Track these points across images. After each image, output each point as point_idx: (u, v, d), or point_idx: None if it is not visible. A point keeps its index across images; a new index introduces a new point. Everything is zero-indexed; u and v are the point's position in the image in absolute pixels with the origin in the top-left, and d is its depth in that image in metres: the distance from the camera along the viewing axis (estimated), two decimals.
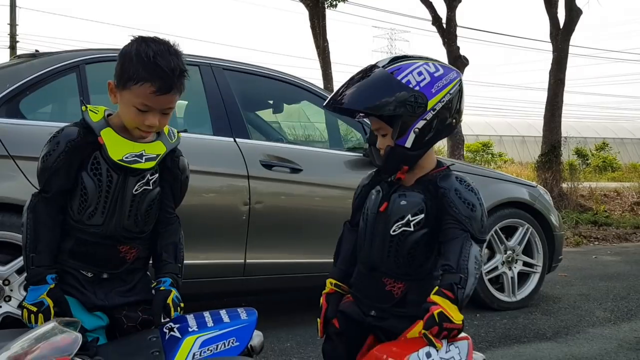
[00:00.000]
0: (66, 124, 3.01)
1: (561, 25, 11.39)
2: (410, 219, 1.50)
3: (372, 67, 1.55)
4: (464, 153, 11.99)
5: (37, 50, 3.46)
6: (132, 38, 1.63)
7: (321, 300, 1.70)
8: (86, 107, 1.66)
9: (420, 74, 1.49)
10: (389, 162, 1.54)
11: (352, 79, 1.56)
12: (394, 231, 1.52)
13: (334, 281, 1.69)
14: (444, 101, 1.51)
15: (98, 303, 1.61)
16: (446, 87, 1.51)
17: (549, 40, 11.63)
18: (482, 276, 3.91)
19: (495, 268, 4.00)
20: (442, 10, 11.70)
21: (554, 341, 3.39)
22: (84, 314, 1.58)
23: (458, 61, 11.36)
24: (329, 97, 1.59)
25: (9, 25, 19.09)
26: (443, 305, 1.37)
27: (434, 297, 1.39)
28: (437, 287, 1.41)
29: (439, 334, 1.36)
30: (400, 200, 1.53)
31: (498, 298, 3.98)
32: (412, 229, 1.50)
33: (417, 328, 1.41)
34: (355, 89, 1.52)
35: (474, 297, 3.92)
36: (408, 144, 1.50)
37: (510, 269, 4.05)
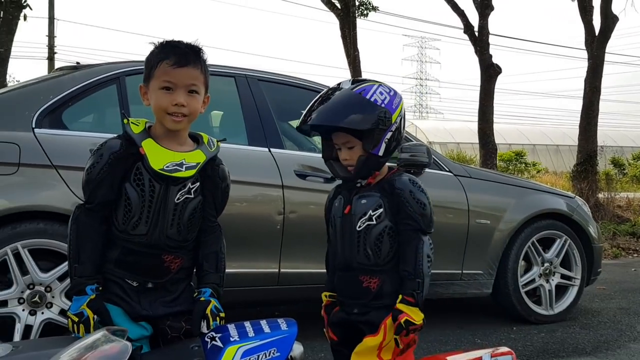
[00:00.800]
0: (107, 134, 3.07)
1: (597, 32, 11.18)
2: (372, 213, 1.76)
3: (336, 89, 1.82)
4: (497, 162, 11.84)
5: (78, 63, 3.55)
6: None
7: (322, 313, 1.91)
8: (128, 120, 1.70)
9: (381, 93, 1.77)
10: (364, 169, 1.78)
11: (320, 100, 1.79)
12: (359, 227, 1.76)
13: (328, 293, 1.91)
14: (401, 115, 1.80)
15: (142, 313, 1.63)
16: (400, 104, 1.80)
17: (584, 48, 11.43)
18: (519, 289, 3.85)
19: (533, 280, 3.93)
20: (474, 18, 11.63)
21: (594, 356, 3.31)
22: (129, 324, 1.60)
23: (490, 69, 11.25)
24: (300, 119, 1.81)
25: (47, 37, 19.64)
26: (407, 312, 1.68)
27: (399, 306, 1.69)
28: (400, 296, 1.70)
29: (407, 334, 1.68)
30: (360, 200, 1.79)
31: (535, 311, 3.91)
32: (374, 222, 1.75)
33: (389, 323, 1.70)
34: (329, 108, 1.76)
35: (511, 310, 3.92)
36: (381, 152, 1.76)
37: (547, 281, 3.98)
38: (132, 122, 1.71)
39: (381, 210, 1.75)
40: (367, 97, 1.74)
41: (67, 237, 1.68)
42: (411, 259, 1.72)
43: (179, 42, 1.70)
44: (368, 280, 1.77)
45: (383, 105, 1.74)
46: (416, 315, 1.68)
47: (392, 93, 1.79)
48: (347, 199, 1.83)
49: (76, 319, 1.56)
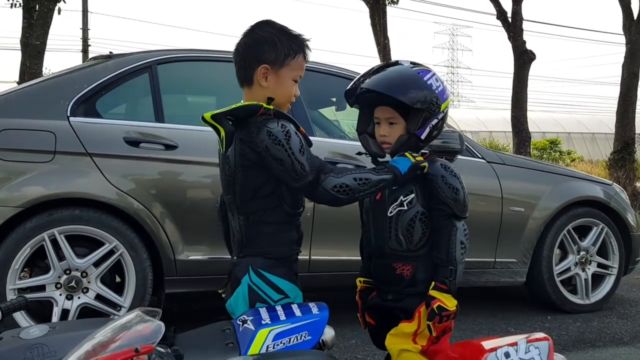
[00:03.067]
0: (140, 122, 3.12)
1: (635, 16, 10.85)
2: (403, 198, 1.74)
3: (393, 64, 1.82)
4: (530, 151, 11.62)
5: (111, 52, 3.60)
6: (247, 29, 1.75)
7: (356, 298, 1.93)
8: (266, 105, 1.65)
9: (437, 80, 1.77)
10: (401, 149, 1.75)
11: (375, 70, 1.78)
12: (390, 212, 1.75)
13: (362, 279, 1.92)
14: (448, 107, 1.79)
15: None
16: (449, 97, 1.80)
17: (622, 33, 11.11)
18: (553, 277, 3.78)
19: (568, 269, 3.85)
20: (507, 4, 11.38)
21: (632, 346, 3.23)
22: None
23: (524, 56, 11.03)
24: (351, 83, 1.79)
25: (81, 30, 19.99)
26: (440, 297, 1.67)
27: (432, 293, 1.68)
28: (433, 283, 1.70)
29: (440, 321, 1.67)
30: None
31: (570, 300, 3.83)
32: (405, 207, 1.74)
33: (424, 310, 1.69)
34: (386, 77, 1.75)
35: (545, 298, 3.85)
36: (423, 136, 1.75)
37: (583, 270, 3.89)
38: (265, 107, 1.65)
39: (412, 195, 1.74)
40: (424, 78, 1.74)
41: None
42: (444, 246, 1.71)
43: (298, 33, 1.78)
44: (401, 267, 1.77)
45: (437, 91, 1.74)
46: (449, 302, 1.67)
47: (444, 84, 1.80)
48: None
49: None
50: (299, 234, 1.79)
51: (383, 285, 1.83)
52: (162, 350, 1.19)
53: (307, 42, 1.76)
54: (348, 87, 1.82)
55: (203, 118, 1.66)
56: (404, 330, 1.72)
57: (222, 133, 1.68)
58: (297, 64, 1.73)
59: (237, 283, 1.69)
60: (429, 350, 1.70)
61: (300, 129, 1.68)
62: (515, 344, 1.41)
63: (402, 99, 1.70)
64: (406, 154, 1.72)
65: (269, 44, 1.70)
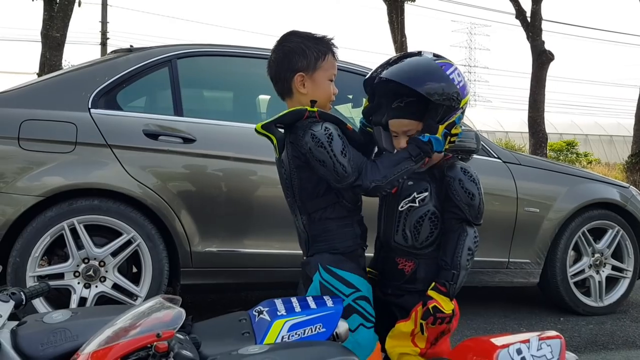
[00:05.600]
0: (160, 115, 3.16)
1: None
2: (416, 195, 1.74)
3: (415, 54, 1.77)
4: (547, 152, 11.54)
5: (131, 46, 3.64)
6: (275, 43, 1.84)
7: None
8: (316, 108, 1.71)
9: (459, 75, 1.72)
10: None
11: (396, 58, 1.77)
12: (401, 207, 1.76)
13: (369, 269, 1.89)
14: (466, 104, 1.74)
15: None
16: (468, 94, 1.76)
17: None
18: (567, 279, 3.77)
19: (582, 271, 3.84)
20: (526, 4, 11.30)
21: None
22: None
23: (543, 56, 10.95)
24: (370, 72, 1.79)
25: (100, 23, 20.17)
26: (437, 299, 1.67)
27: (430, 293, 1.68)
28: (434, 283, 1.69)
29: (434, 322, 1.66)
30: (408, 181, 1.76)
31: (584, 302, 3.82)
32: (417, 204, 1.74)
33: (420, 310, 1.69)
34: (408, 68, 1.72)
35: (558, 300, 3.84)
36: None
37: (598, 272, 3.87)
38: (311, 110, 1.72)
39: (426, 194, 1.74)
40: (447, 72, 1.69)
41: None
42: (450, 249, 1.70)
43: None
44: (404, 263, 1.78)
45: (458, 86, 1.70)
46: (446, 305, 1.66)
47: (466, 80, 1.76)
48: None
49: None
50: (362, 228, 1.82)
51: (384, 279, 1.84)
52: (181, 337, 1.23)
53: (333, 42, 1.82)
54: (367, 75, 1.81)
55: (255, 130, 1.75)
56: (401, 330, 1.73)
57: (274, 140, 1.75)
58: (329, 63, 1.78)
59: (309, 281, 1.75)
60: (428, 353, 1.70)
61: (347, 127, 1.73)
62: (527, 341, 1.42)
63: (422, 92, 1.65)
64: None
65: (298, 53, 1.76)
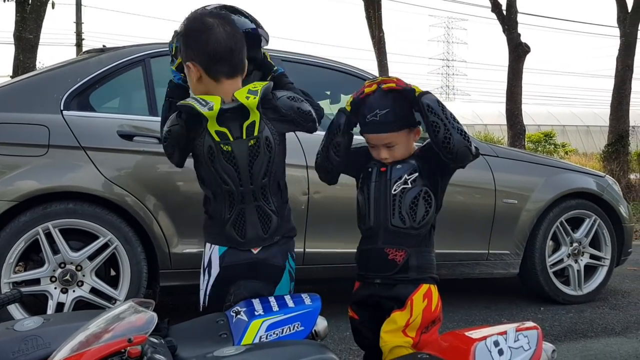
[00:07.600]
0: (134, 116, 3.11)
1: (629, 8, 10.87)
2: (407, 177, 1.78)
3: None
4: (525, 143, 11.64)
5: (104, 46, 3.59)
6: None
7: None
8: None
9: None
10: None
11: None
12: (394, 190, 1.78)
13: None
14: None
15: None
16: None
17: (616, 25, 11.12)
18: (546, 269, 3.80)
19: (561, 261, 3.88)
20: None
21: (624, 336, 3.26)
22: None
23: (519, 48, 11.02)
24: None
25: (75, 24, 19.86)
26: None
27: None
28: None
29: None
30: (396, 165, 1.81)
31: (563, 291, 3.86)
32: (409, 185, 1.78)
33: (422, 290, 1.71)
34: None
35: (538, 290, 3.88)
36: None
37: (576, 261, 3.92)
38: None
39: (416, 174, 1.78)
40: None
41: None
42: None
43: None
44: (394, 253, 1.76)
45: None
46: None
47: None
48: (381, 165, 1.85)
49: None
50: None
51: (371, 272, 1.80)
52: (155, 340, 1.21)
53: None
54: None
55: (246, 105, 1.69)
56: (397, 321, 1.70)
57: (255, 118, 1.70)
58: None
59: (278, 272, 1.75)
60: (420, 342, 1.70)
61: None
62: (504, 332, 1.43)
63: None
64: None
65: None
